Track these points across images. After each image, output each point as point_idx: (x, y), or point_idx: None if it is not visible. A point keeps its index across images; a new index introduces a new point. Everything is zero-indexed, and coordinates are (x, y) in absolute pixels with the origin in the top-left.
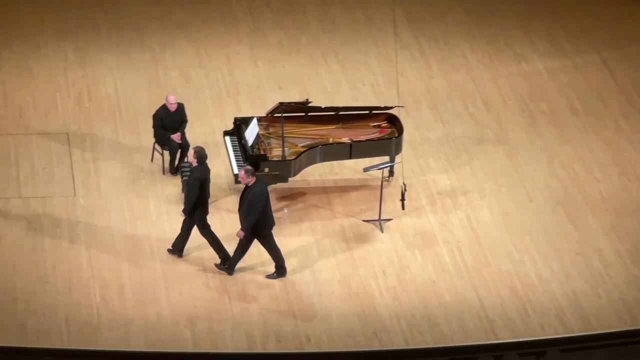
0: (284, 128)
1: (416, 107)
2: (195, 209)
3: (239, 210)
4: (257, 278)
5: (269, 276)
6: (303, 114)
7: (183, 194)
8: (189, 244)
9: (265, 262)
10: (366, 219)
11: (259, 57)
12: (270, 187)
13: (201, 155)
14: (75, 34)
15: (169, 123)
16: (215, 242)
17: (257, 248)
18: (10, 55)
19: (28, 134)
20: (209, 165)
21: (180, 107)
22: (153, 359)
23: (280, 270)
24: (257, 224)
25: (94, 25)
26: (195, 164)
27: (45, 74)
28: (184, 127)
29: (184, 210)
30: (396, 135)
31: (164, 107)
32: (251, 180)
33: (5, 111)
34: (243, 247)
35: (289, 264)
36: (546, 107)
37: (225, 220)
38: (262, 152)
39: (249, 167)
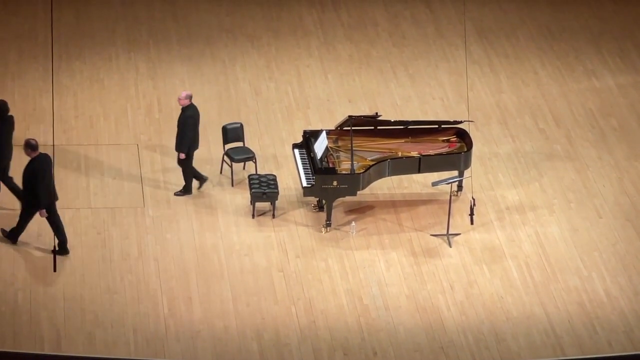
0: (353, 141)
1: (486, 121)
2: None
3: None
4: (324, 290)
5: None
6: (372, 127)
7: (251, 205)
8: (257, 259)
9: (333, 276)
10: (434, 234)
11: (329, 70)
12: (339, 200)
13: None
14: (146, 45)
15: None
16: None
17: (324, 262)
18: (82, 66)
19: (98, 145)
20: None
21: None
22: None
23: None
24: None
25: (165, 37)
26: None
27: (116, 85)
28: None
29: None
30: (465, 149)
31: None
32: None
33: (76, 122)
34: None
35: (355, 277)
36: (616, 124)
37: (293, 232)
38: (330, 165)
39: (30, 141)
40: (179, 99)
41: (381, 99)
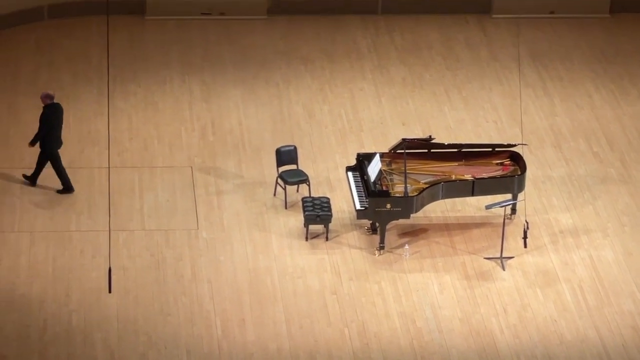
0: (407, 164)
1: (539, 145)
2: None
3: None
4: (377, 313)
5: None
6: (426, 150)
7: (304, 227)
8: (310, 281)
9: (386, 299)
10: (488, 257)
11: (382, 93)
12: (392, 223)
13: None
14: (200, 68)
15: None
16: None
17: (377, 284)
18: (137, 89)
19: (152, 167)
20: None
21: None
22: None
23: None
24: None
25: (220, 60)
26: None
27: (170, 107)
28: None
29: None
30: (519, 173)
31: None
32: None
33: (130, 144)
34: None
35: (408, 300)
36: None
37: (346, 254)
38: (384, 188)
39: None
40: (41, 98)
41: (435, 121)
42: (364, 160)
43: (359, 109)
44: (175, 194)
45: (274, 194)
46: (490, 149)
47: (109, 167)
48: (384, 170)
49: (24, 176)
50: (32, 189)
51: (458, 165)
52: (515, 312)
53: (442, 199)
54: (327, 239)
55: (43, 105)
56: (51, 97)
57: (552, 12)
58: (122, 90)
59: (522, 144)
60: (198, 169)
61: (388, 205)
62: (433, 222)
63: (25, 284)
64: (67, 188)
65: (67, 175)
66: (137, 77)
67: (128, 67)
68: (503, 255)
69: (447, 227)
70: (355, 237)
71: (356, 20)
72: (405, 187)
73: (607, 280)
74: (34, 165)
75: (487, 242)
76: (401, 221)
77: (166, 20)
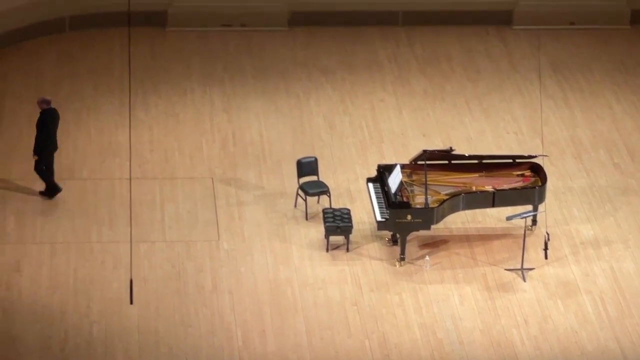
0: (427, 176)
1: (560, 156)
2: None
3: None
4: (397, 324)
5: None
6: (446, 161)
7: (325, 238)
8: (330, 292)
9: (407, 310)
10: (508, 268)
11: (403, 104)
12: (413, 235)
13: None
14: (221, 79)
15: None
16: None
17: (398, 296)
18: (158, 100)
19: (173, 178)
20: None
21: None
22: None
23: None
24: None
25: (240, 71)
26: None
27: (191, 119)
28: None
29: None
30: (540, 184)
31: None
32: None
33: (151, 156)
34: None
35: (429, 311)
36: None
37: (367, 266)
38: (405, 200)
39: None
40: (37, 103)
41: (455, 133)
42: (384, 171)
43: (380, 120)
44: (196, 205)
45: (295, 205)
46: (510, 160)
47: (130, 179)
48: (404, 181)
49: (41, 193)
50: (53, 200)
51: (479, 176)
52: (536, 324)
53: (462, 210)
54: (347, 250)
55: (40, 110)
56: (48, 102)
57: (572, 24)
58: (143, 101)
59: (543, 155)
60: (219, 180)
61: (409, 217)
62: (454, 234)
63: (46, 295)
64: (51, 189)
65: (52, 178)
66: (158, 89)
67: (149, 78)
68: (524, 267)
69: (468, 239)
70: (375, 248)
71: (377, 32)
72: (426, 199)
73: (628, 291)
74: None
75: (507, 254)
76: (422, 232)
77: (187, 31)
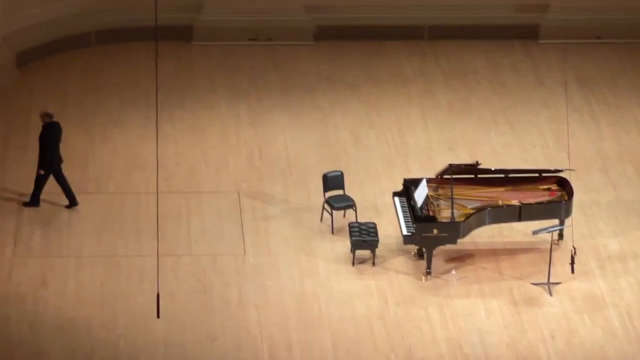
0: (454, 190)
1: (586, 170)
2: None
3: None
4: (423, 339)
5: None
6: (472, 175)
7: (351, 253)
8: (357, 307)
9: (433, 324)
10: (535, 282)
11: (429, 118)
12: (439, 249)
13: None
14: (247, 93)
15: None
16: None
17: (424, 310)
18: (183, 114)
19: (199, 192)
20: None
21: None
22: None
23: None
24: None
25: (266, 85)
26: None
27: (216, 132)
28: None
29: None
30: (566, 198)
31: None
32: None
33: (177, 169)
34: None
35: (455, 325)
36: None
37: (393, 280)
38: (431, 214)
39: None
40: (40, 116)
41: (481, 146)
42: (410, 185)
43: (406, 133)
44: (222, 219)
45: (321, 219)
46: (537, 174)
47: (157, 192)
48: (430, 195)
49: (67, 207)
50: (79, 213)
51: (505, 190)
52: (562, 338)
53: (489, 224)
54: (374, 264)
55: (42, 124)
56: (50, 116)
57: (598, 37)
58: (168, 115)
59: (569, 169)
60: (245, 194)
61: (435, 231)
62: (480, 248)
63: (72, 308)
64: (33, 202)
65: (39, 194)
66: (184, 103)
67: (175, 92)
68: (550, 281)
69: (494, 253)
70: (402, 263)
71: (402, 46)
72: (452, 213)
73: None
74: (73, 190)
75: (534, 268)
76: (448, 246)
77: (213, 46)
